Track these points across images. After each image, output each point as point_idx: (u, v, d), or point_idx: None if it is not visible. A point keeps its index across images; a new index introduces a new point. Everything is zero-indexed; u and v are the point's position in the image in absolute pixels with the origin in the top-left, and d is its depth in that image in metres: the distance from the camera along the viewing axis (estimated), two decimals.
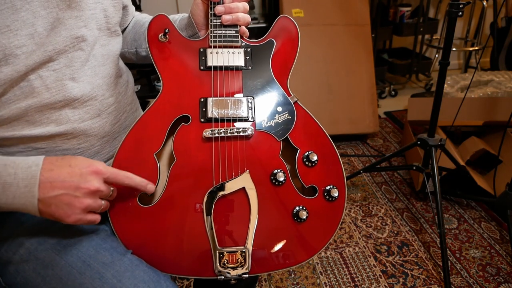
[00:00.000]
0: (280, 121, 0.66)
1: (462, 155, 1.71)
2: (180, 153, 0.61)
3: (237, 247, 0.61)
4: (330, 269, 1.32)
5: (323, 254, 1.38)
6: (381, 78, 2.63)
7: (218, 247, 0.60)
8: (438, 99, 1.38)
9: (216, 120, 0.63)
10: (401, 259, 1.35)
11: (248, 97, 0.66)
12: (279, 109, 0.67)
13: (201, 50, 0.67)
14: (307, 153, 0.65)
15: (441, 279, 1.27)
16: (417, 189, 1.64)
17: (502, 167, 1.61)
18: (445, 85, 1.97)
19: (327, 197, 0.64)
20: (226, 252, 0.60)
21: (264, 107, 0.66)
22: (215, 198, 0.61)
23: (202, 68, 0.66)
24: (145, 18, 0.81)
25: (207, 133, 0.62)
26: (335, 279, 1.28)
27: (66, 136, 0.60)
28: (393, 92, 2.68)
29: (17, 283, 0.58)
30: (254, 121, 0.65)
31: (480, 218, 1.54)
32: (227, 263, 0.60)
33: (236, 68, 0.67)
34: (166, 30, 0.66)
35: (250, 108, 0.65)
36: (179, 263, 0.60)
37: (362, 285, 1.25)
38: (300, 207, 0.63)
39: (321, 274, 1.30)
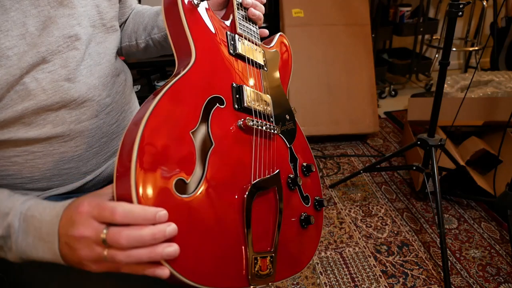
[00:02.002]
0: (289, 129, 0.67)
1: (462, 155, 1.71)
2: (217, 138, 0.52)
3: (268, 252, 0.55)
4: (330, 269, 1.32)
5: (323, 254, 1.38)
6: (381, 78, 2.63)
7: (253, 251, 0.53)
8: (438, 99, 1.38)
9: (250, 111, 0.59)
10: (401, 259, 1.35)
11: (271, 98, 0.65)
12: (287, 117, 0.68)
13: (229, 33, 0.63)
14: (305, 163, 0.68)
15: (441, 279, 1.27)
16: (417, 189, 1.64)
17: (502, 167, 1.61)
18: (445, 85, 1.97)
19: (317, 207, 0.68)
20: (260, 257, 0.53)
21: (278, 112, 0.66)
22: (254, 196, 0.54)
23: (231, 52, 0.62)
24: (145, 9, 0.79)
25: (250, 122, 0.55)
26: (335, 279, 1.28)
27: (63, 138, 0.59)
28: (393, 92, 2.68)
29: (22, 281, 0.57)
30: (274, 122, 0.63)
31: (480, 218, 1.54)
32: (260, 270, 0.53)
33: (259, 66, 0.66)
34: None
35: (272, 109, 0.64)
36: (215, 272, 0.48)
37: (362, 285, 1.25)
38: (306, 214, 0.63)
39: (321, 274, 1.30)
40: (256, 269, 0.52)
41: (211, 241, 0.48)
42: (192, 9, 0.59)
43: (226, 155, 0.53)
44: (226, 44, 0.62)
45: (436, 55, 2.94)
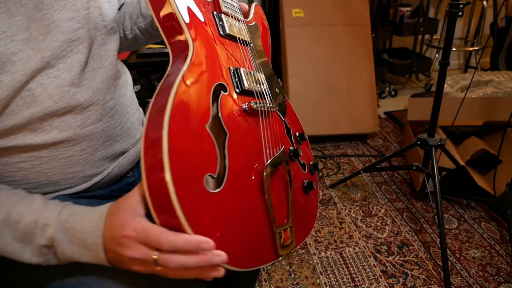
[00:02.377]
0: (280, 102, 0.66)
1: (462, 155, 1.71)
2: (230, 127, 0.52)
3: (286, 224, 0.57)
4: (330, 269, 1.32)
5: (323, 254, 1.38)
6: (381, 78, 2.63)
7: (277, 227, 0.55)
8: (438, 99, 1.38)
9: (251, 93, 0.58)
10: (401, 259, 1.35)
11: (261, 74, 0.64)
12: (277, 90, 0.67)
13: (215, 14, 0.60)
14: (297, 133, 0.69)
15: (441, 279, 1.27)
16: (417, 189, 1.64)
17: (502, 167, 1.61)
18: (445, 85, 1.97)
19: (312, 171, 0.70)
20: (282, 230, 0.56)
21: (271, 88, 0.64)
22: (269, 176, 0.55)
23: (221, 33, 0.59)
24: None
25: (255, 105, 0.55)
26: (335, 279, 1.28)
27: (69, 142, 0.58)
28: (393, 92, 2.68)
29: (35, 280, 0.57)
30: (270, 99, 0.63)
31: (480, 218, 1.54)
32: (284, 241, 0.56)
33: (246, 43, 0.64)
34: None
35: (267, 86, 0.63)
36: (251, 253, 0.51)
37: (362, 285, 1.25)
38: (307, 180, 0.65)
39: (321, 274, 1.30)
40: (281, 242, 0.55)
41: (245, 227, 0.50)
42: None
43: (240, 141, 0.53)
44: (215, 25, 0.59)
45: (436, 55, 2.94)
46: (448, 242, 1.42)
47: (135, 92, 0.77)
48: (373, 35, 2.28)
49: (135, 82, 1.99)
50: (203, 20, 0.57)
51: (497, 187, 1.51)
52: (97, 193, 0.65)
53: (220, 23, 0.60)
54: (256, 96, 0.59)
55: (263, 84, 0.62)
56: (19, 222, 0.48)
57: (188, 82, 0.49)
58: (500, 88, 2.07)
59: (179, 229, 0.43)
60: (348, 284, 1.26)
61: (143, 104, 2.32)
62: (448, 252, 1.37)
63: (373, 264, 1.33)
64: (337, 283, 1.26)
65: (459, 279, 1.26)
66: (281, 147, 0.60)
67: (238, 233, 0.49)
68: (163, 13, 0.55)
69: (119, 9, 0.77)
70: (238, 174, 0.51)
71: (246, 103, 0.55)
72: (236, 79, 0.57)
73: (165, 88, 0.48)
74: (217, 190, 0.47)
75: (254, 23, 0.71)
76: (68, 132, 0.57)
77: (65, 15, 0.55)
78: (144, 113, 0.81)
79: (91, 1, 0.59)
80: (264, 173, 0.54)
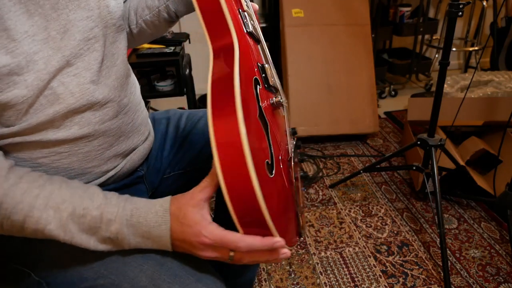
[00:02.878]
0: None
1: (462, 155, 1.71)
2: (269, 118, 0.55)
3: (302, 208, 0.61)
4: (330, 269, 1.32)
5: (323, 254, 1.38)
6: (381, 78, 2.63)
7: (297, 210, 0.60)
8: (438, 99, 1.38)
9: (273, 89, 0.62)
10: (401, 259, 1.35)
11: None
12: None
13: (240, 11, 0.61)
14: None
15: (441, 279, 1.27)
16: (417, 189, 1.64)
17: (502, 167, 1.61)
18: (445, 85, 1.97)
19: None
20: (299, 213, 0.61)
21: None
22: (292, 163, 0.61)
23: (245, 30, 0.60)
24: None
25: (282, 100, 0.61)
26: (335, 279, 1.28)
27: (88, 138, 0.60)
28: (393, 92, 2.68)
29: (52, 274, 0.58)
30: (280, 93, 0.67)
31: (480, 218, 1.54)
32: (301, 223, 0.61)
33: (259, 41, 0.66)
34: None
35: (279, 82, 0.67)
36: (291, 233, 0.56)
37: (362, 285, 1.25)
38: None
39: (321, 274, 1.30)
40: (301, 224, 0.60)
41: (288, 209, 0.55)
42: None
43: (274, 132, 0.56)
44: (241, 22, 0.60)
45: (436, 55, 2.94)
46: (448, 242, 1.42)
47: None
48: (373, 35, 2.28)
49: None
50: (237, 14, 0.59)
51: (497, 187, 1.51)
52: (111, 186, 0.68)
53: (245, 20, 0.61)
54: (277, 91, 0.63)
55: (276, 80, 0.65)
56: (85, 216, 0.51)
57: (241, 78, 0.48)
58: (500, 88, 2.07)
59: (264, 232, 0.47)
60: (348, 284, 1.26)
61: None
62: (448, 252, 1.37)
63: (373, 264, 1.33)
64: (337, 283, 1.26)
65: (459, 279, 1.27)
66: (293, 139, 0.66)
67: (286, 214, 0.54)
68: (206, 2, 0.54)
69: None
70: (277, 161, 0.54)
71: (273, 97, 0.59)
72: (263, 75, 0.59)
73: (225, 86, 0.47)
74: (272, 175, 0.50)
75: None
76: (88, 128, 0.59)
77: (80, 15, 0.57)
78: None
79: (101, 0, 0.61)
80: (292, 162, 0.59)
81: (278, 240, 0.48)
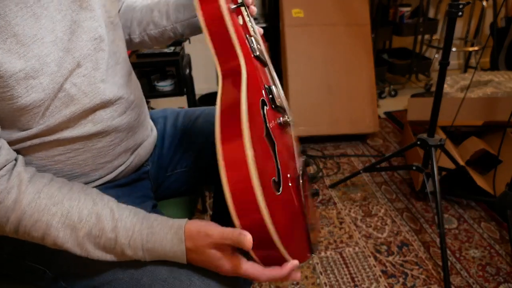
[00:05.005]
0: None
1: (462, 155, 1.71)
2: (276, 137, 0.56)
3: (311, 225, 0.61)
4: (330, 269, 1.32)
5: (323, 254, 1.38)
6: (381, 78, 2.63)
7: (307, 227, 0.60)
8: (438, 99, 1.38)
9: (280, 109, 0.63)
10: (401, 259, 1.35)
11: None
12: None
13: (247, 36, 0.64)
14: None
15: (441, 279, 1.27)
16: (417, 189, 1.64)
17: (502, 167, 1.61)
18: (445, 85, 1.97)
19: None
20: (310, 230, 0.60)
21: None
22: (300, 180, 0.61)
23: (253, 55, 0.62)
24: (136, 2, 0.79)
25: (288, 119, 0.62)
26: (335, 279, 1.28)
27: (102, 134, 0.62)
28: (393, 92, 2.68)
29: (67, 272, 0.59)
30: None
31: (480, 218, 1.54)
32: (312, 239, 0.61)
33: (266, 64, 0.68)
34: (240, 1, 0.62)
35: (286, 103, 0.69)
36: (301, 249, 0.57)
37: (362, 285, 1.26)
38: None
39: (321, 274, 1.30)
40: (312, 240, 0.60)
41: (296, 226, 0.55)
42: (232, 15, 0.60)
43: (282, 150, 0.57)
44: (249, 47, 0.63)
45: (436, 55, 2.94)
46: (448, 242, 1.42)
47: None
48: (373, 35, 2.28)
49: None
50: (245, 39, 0.62)
51: (497, 187, 1.51)
52: (121, 181, 0.70)
53: (252, 45, 0.64)
54: (284, 111, 0.64)
55: (284, 102, 0.67)
56: (100, 237, 0.52)
57: (248, 101, 0.52)
58: (500, 88, 2.07)
59: (274, 252, 0.48)
60: (348, 284, 1.26)
61: None
62: (448, 252, 1.37)
63: (373, 264, 1.33)
64: (337, 283, 1.26)
65: (459, 279, 1.27)
66: (302, 156, 0.67)
67: (295, 230, 0.55)
68: (216, 30, 0.57)
69: (119, 9, 0.79)
70: (286, 179, 0.55)
71: (281, 117, 0.61)
72: (270, 96, 0.61)
73: (233, 109, 0.50)
74: (279, 192, 0.51)
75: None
76: (101, 124, 0.61)
77: (84, 15, 0.57)
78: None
79: (98, 0, 0.62)
80: (301, 180, 0.60)
81: (294, 264, 0.50)
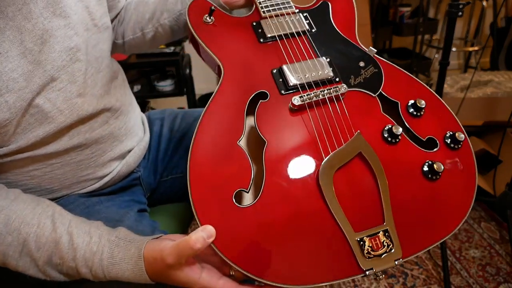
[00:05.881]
0: (368, 76, 0.59)
1: None
2: (269, 133, 0.51)
3: (377, 227, 0.47)
4: None
5: None
6: None
7: (354, 233, 0.46)
8: None
9: (302, 86, 0.55)
10: None
11: (326, 57, 0.59)
12: (362, 64, 0.61)
13: (254, 24, 0.63)
14: (410, 102, 0.57)
15: (441, 279, 1.27)
16: None
17: (502, 167, 1.61)
18: (445, 85, 1.97)
19: (452, 145, 0.55)
20: (366, 237, 0.47)
21: (345, 65, 0.60)
22: (332, 174, 0.49)
23: (262, 40, 0.60)
24: None
25: (296, 101, 0.53)
26: None
27: (80, 147, 0.59)
28: None
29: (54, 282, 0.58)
30: (341, 80, 0.58)
31: (480, 218, 1.54)
32: (372, 250, 0.47)
33: (301, 33, 0.62)
34: (212, 8, 0.61)
35: (332, 67, 0.58)
36: (311, 268, 0.46)
37: (362, 285, 1.25)
38: (430, 162, 0.52)
39: None
40: (365, 251, 0.46)
41: (297, 239, 0.46)
42: (206, 27, 0.61)
43: (284, 145, 0.51)
44: (254, 36, 0.61)
45: (436, 55, 2.94)
46: (448, 242, 1.42)
47: (135, 92, 0.77)
48: (373, 35, 2.28)
49: (135, 82, 1.99)
50: (236, 39, 0.61)
51: (497, 187, 1.51)
52: (107, 190, 0.67)
53: (259, 30, 0.62)
54: (309, 88, 0.56)
55: (322, 70, 0.57)
56: (62, 265, 0.50)
57: (216, 106, 0.53)
58: (500, 88, 2.07)
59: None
60: (348, 284, 1.26)
61: (143, 104, 2.32)
62: (448, 252, 1.37)
63: None
64: (337, 283, 1.26)
65: (459, 279, 1.27)
66: (354, 134, 0.52)
67: (290, 247, 0.46)
68: (199, 48, 0.62)
69: (120, 10, 0.76)
70: (283, 181, 0.48)
71: (293, 100, 0.53)
72: (280, 79, 0.56)
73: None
74: (250, 204, 0.46)
75: (320, 3, 0.68)
76: (78, 137, 0.58)
77: (57, 23, 0.53)
78: (143, 111, 0.82)
79: (78, 3, 0.57)
80: (317, 174, 0.48)
81: (207, 226, 0.45)
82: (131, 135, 0.69)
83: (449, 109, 0.59)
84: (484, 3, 2.63)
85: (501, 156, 1.62)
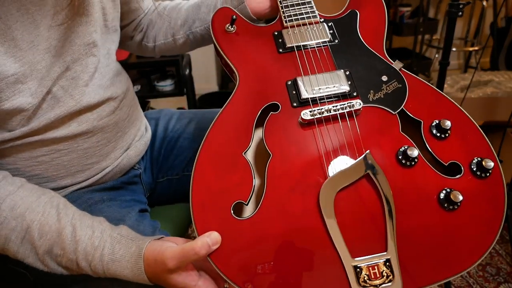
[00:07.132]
0: (389, 91, 0.56)
1: None
2: (275, 147, 0.50)
3: (378, 255, 0.45)
4: None
5: None
6: None
7: (351, 258, 0.44)
8: None
9: (314, 100, 0.53)
10: None
11: (345, 70, 0.57)
12: (384, 78, 0.58)
13: (276, 33, 0.62)
14: (434, 122, 0.52)
15: None
16: None
17: (502, 167, 1.60)
18: (445, 85, 1.97)
19: (478, 172, 0.49)
20: (364, 265, 0.44)
21: (365, 79, 0.56)
22: (334, 194, 0.46)
23: (281, 51, 0.60)
24: (182, 3, 0.78)
25: (306, 115, 0.51)
26: None
27: (87, 134, 0.61)
28: None
29: (48, 275, 0.58)
30: (358, 95, 0.54)
31: None
32: (369, 279, 0.44)
33: (323, 43, 0.60)
34: (234, 17, 0.62)
35: (350, 81, 0.55)
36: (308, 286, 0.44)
37: None
38: (448, 190, 0.47)
39: None
40: (361, 279, 0.44)
41: (291, 258, 0.45)
42: (227, 36, 0.62)
43: (289, 160, 0.49)
44: (274, 45, 0.61)
45: (436, 55, 2.94)
46: None
47: (135, 92, 0.78)
48: None
49: (135, 82, 1.99)
50: (255, 49, 0.61)
51: None
52: (109, 184, 0.68)
53: (280, 40, 0.61)
54: (321, 102, 0.53)
55: (339, 83, 0.55)
56: (62, 256, 0.50)
57: (227, 116, 0.53)
58: (500, 88, 2.07)
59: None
60: None
61: (143, 104, 2.32)
62: None
63: None
64: None
65: (459, 279, 1.26)
66: (363, 154, 0.49)
67: (281, 263, 0.44)
68: (219, 55, 0.63)
69: (143, 16, 0.79)
70: (283, 196, 0.47)
71: (302, 114, 0.52)
72: (294, 92, 0.55)
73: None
74: (247, 217, 0.46)
75: (349, 11, 0.66)
76: (86, 124, 0.60)
77: (79, 20, 0.57)
78: (143, 111, 0.83)
79: (98, 4, 0.61)
80: (320, 192, 0.46)
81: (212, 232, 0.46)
82: (133, 128, 0.71)
83: (482, 132, 0.53)
84: (484, 3, 2.63)
85: (501, 156, 1.62)
